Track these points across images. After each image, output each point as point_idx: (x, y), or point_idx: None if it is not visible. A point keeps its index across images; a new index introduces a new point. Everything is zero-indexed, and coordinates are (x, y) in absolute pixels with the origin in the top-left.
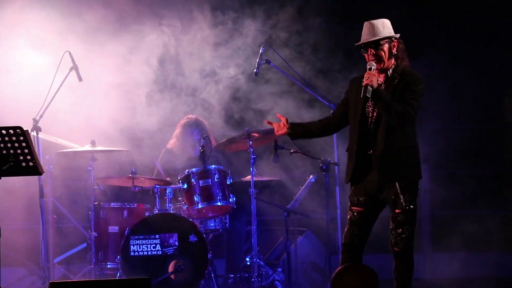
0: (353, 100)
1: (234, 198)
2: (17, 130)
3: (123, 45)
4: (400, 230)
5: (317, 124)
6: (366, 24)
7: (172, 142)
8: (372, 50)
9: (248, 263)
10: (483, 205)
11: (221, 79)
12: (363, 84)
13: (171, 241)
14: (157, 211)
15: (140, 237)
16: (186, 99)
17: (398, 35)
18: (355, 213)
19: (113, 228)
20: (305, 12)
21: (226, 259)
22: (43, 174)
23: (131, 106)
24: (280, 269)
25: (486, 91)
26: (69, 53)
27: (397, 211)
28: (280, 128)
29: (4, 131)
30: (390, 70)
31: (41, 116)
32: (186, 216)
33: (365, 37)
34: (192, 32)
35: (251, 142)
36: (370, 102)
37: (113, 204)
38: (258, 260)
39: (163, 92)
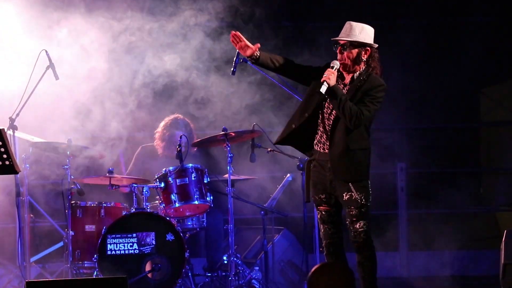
0: (314, 86)
1: (211, 197)
2: None
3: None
4: (358, 224)
5: (280, 59)
6: (346, 23)
7: (155, 143)
8: (341, 49)
9: (225, 262)
10: (460, 204)
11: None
12: (321, 80)
13: (148, 240)
14: (134, 210)
15: (117, 236)
16: (160, 97)
17: (374, 45)
18: (323, 212)
19: (90, 227)
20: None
21: (206, 257)
22: (19, 172)
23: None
24: (257, 268)
25: (462, 90)
26: (46, 51)
27: (352, 208)
28: (247, 48)
29: None
30: (357, 73)
31: (17, 115)
32: (163, 215)
33: (340, 35)
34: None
35: (228, 141)
36: (328, 102)
37: (90, 203)
38: (235, 258)
39: (132, 92)
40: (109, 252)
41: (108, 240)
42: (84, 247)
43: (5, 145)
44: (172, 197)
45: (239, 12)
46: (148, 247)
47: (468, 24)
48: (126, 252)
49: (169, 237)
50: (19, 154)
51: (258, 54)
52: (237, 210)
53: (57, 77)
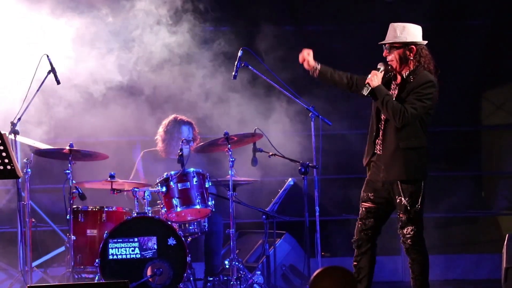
0: None
1: (213, 201)
2: None
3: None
4: (406, 230)
5: (343, 74)
6: (391, 25)
7: (158, 146)
8: (386, 52)
9: (227, 266)
10: (461, 208)
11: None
12: (365, 82)
13: (149, 244)
14: (135, 214)
15: (118, 240)
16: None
17: (419, 42)
18: (364, 209)
19: (92, 232)
20: None
21: (205, 263)
22: (21, 177)
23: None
24: (259, 272)
25: (463, 94)
26: (47, 56)
27: (401, 213)
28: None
29: None
30: (407, 72)
31: (19, 119)
32: (164, 219)
33: (386, 38)
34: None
35: (229, 145)
36: None
37: (91, 207)
38: (237, 263)
39: (135, 95)
40: (110, 257)
41: (109, 244)
42: (85, 251)
43: (6, 149)
44: (174, 201)
45: (241, 15)
46: (149, 251)
47: (468, 28)
48: (128, 256)
49: (171, 241)
50: (21, 159)
51: (318, 67)
52: (238, 214)
53: (58, 82)
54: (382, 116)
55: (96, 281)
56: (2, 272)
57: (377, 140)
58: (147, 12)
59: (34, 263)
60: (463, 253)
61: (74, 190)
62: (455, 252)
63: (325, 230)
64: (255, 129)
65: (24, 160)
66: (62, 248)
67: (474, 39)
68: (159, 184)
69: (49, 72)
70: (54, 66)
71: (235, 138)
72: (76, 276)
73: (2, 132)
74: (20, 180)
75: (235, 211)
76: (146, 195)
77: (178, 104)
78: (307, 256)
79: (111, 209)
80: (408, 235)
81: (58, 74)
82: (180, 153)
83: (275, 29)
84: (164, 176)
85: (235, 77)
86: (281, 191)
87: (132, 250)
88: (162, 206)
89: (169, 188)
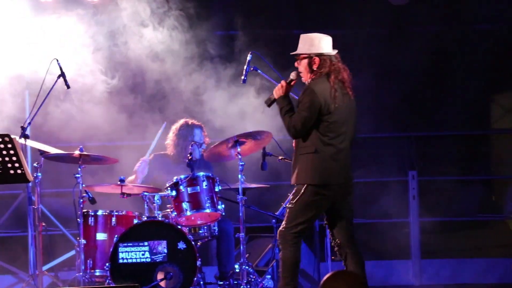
0: None
1: (223, 205)
2: (5, 137)
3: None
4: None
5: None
6: (300, 37)
7: (170, 151)
8: (296, 63)
9: (237, 270)
10: (471, 211)
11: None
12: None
13: (159, 248)
14: (145, 218)
15: (128, 244)
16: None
17: (325, 53)
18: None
19: (102, 236)
20: None
21: (218, 265)
22: (31, 181)
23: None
24: (269, 276)
25: (473, 98)
26: (57, 60)
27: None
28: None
29: None
30: (307, 82)
31: (29, 124)
32: (174, 223)
33: (297, 50)
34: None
35: (239, 149)
36: None
37: (101, 211)
38: (247, 267)
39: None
40: (121, 261)
41: (120, 248)
42: (96, 255)
43: (17, 154)
44: (184, 205)
45: (253, 21)
46: (160, 255)
47: (478, 32)
48: (138, 260)
49: (181, 245)
50: (31, 163)
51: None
52: (248, 218)
53: (68, 86)
54: None
55: (106, 285)
56: (13, 276)
57: None
58: (163, 16)
59: (45, 267)
60: (474, 257)
61: (84, 194)
62: (465, 256)
63: None
64: (264, 131)
65: (34, 164)
66: (73, 252)
67: (484, 43)
68: (169, 188)
69: (59, 77)
70: (63, 70)
71: (245, 140)
72: (87, 280)
73: (12, 136)
74: (30, 184)
75: (244, 215)
76: (156, 199)
77: (187, 107)
78: (317, 260)
79: (121, 213)
80: (280, 228)
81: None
82: (190, 157)
83: (284, 33)
84: (174, 180)
85: (244, 81)
86: (290, 195)
87: (142, 254)
88: (172, 210)
89: (179, 192)
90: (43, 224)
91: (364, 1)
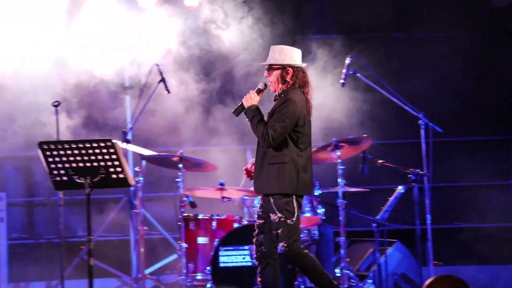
0: None
1: (323, 209)
2: (107, 142)
3: None
4: (259, 238)
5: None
6: (271, 48)
7: None
8: (266, 73)
9: (338, 275)
10: (493, 217)
11: None
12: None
13: None
14: (246, 222)
15: (229, 248)
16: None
17: (295, 64)
18: (256, 224)
19: (203, 239)
20: None
21: None
22: (133, 185)
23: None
24: (370, 281)
25: (500, 103)
26: (157, 65)
27: (260, 220)
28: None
29: (95, 144)
30: (278, 92)
31: (130, 129)
32: None
33: (267, 60)
34: None
35: (339, 153)
36: None
37: (202, 215)
38: (347, 271)
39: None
40: (221, 264)
41: (220, 252)
42: (197, 259)
43: (119, 158)
44: None
45: (352, 24)
46: None
47: (507, 35)
48: (239, 264)
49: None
50: (133, 167)
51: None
52: (349, 222)
53: (168, 91)
54: None
55: None
56: (116, 279)
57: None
58: (266, 21)
59: (147, 271)
60: (497, 264)
61: (185, 198)
62: (502, 263)
63: (437, 238)
64: (364, 136)
65: (136, 168)
66: (174, 256)
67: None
68: None
69: (159, 82)
70: (164, 75)
71: (344, 145)
72: (188, 284)
73: (114, 141)
74: (132, 188)
75: (345, 219)
76: (256, 203)
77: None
78: (419, 265)
79: (221, 217)
80: (258, 243)
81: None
82: None
83: (383, 36)
84: None
85: (343, 85)
86: (391, 199)
87: (243, 258)
88: None
89: None
90: (145, 228)
91: (465, 3)
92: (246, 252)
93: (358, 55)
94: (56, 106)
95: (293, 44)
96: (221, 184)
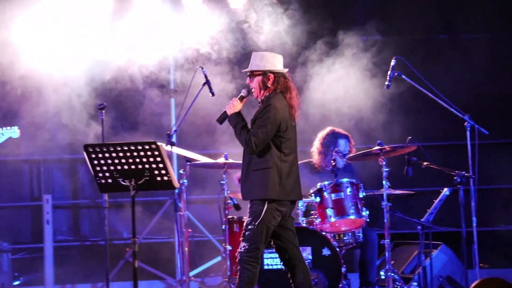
0: None
1: (367, 212)
2: (152, 145)
3: None
4: (240, 245)
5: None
6: (252, 54)
7: (314, 159)
8: (248, 79)
9: (383, 277)
10: None
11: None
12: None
13: (304, 254)
14: None
15: (273, 250)
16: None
17: (277, 70)
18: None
19: None
20: None
21: (359, 274)
22: (178, 188)
23: None
24: (415, 283)
25: None
26: (202, 68)
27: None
28: None
29: (139, 146)
30: (261, 99)
31: (175, 131)
32: (319, 229)
33: (249, 67)
34: None
35: (383, 155)
36: None
37: (246, 217)
38: (392, 274)
39: None
40: (266, 267)
41: (264, 254)
42: None
43: (163, 161)
44: (328, 212)
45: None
46: None
47: None
48: (283, 266)
49: (325, 252)
50: (177, 170)
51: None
52: (393, 224)
53: (213, 94)
54: None
55: None
56: (161, 281)
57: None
58: (314, 23)
59: (192, 273)
60: None
61: (229, 201)
62: None
63: (482, 240)
64: (409, 139)
65: (180, 171)
66: (219, 258)
67: None
68: (313, 195)
69: (204, 84)
70: (208, 78)
71: (389, 149)
72: (233, 286)
73: (159, 144)
74: (176, 191)
75: (389, 221)
76: (300, 205)
77: (329, 115)
78: (465, 267)
79: None
80: (239, 251)
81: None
82: (333, 163)
83: (429, 38)
84: (318, 187)
85: (388, 86)
86: (436, 201)
87: None
88: (316, 216)
89: (323, 198)
90: (190, 230)
91: (510, 4)
92: None
93: (403, 57)
94: (101, 109)
95: (337, 45)
96: None
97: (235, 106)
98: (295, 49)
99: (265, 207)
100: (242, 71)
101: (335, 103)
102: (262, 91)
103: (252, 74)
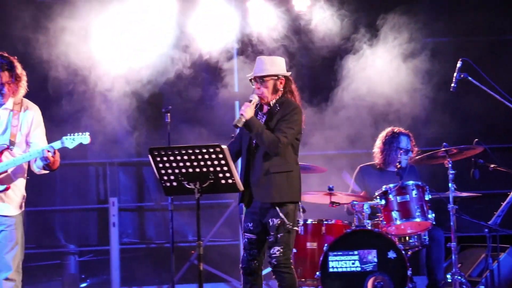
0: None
1: (433, 214)
2: (216, 148)
3: None
4: (272, 250)
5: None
6: (258, 58)
7: (377, 158)
8: (258, 84)
9: (449, 280)
10: None
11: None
12: (239, 113)
13: (369, 257)
14: (355, 227)
15: (338, 253)
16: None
17: (287, 74)
18: (247, 239)
19: (312, 244)
20: None
21: (427, 273)
22: (242, 190)
23: None
24: (482, 287)
25: None
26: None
27: (273, 233)
28: None
29: (204, 149)
30: (273, 101)
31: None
32: (384, 232)
33: (254, 71)
34: None
35: (449, 158)
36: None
37: (311, 220)
38: (459, 277)
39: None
40: (331, 270)
41: (329, 257)
42: (306, 264)
43: (227, 163)
44: (393, 214)
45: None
46: (370, 264)
47: None
48: (348, 269)
49: (391, 254)
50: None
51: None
52: (460, 227)
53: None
54: (254, 144)
55: None
56: (226, 284)
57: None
58: (374, 24)
59: None
60: None
61: None
62: None
63: None
64: (475, 141)
65: None
66: None
67: None
68: (378, 197)
69: None
70: None
71: (455, 151)
72: None
73: (223, 147)
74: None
75: (456, 224)
76: (365, 208)
77: (396, 117)
78: None
79: (330, 222)
80: (274, 255)
81: None
82: (398, 165)
83: (496, 39)
84: (383, 189)
85: (454, 88)
86: (504, 204)
87: (352, 263)
88: (381, 219)
89: (388, 201)
90: None
91: None
92: (356, 257)
93: (469, 59)
94: (166, 112)
95: (403, 46)
96: (330, 189)
97: (251, 109)
98: (355, 49)
99: (295, 209)
100: (255, 76)
101: (395, 106)
102: (272, 95)
103: (262, 79)
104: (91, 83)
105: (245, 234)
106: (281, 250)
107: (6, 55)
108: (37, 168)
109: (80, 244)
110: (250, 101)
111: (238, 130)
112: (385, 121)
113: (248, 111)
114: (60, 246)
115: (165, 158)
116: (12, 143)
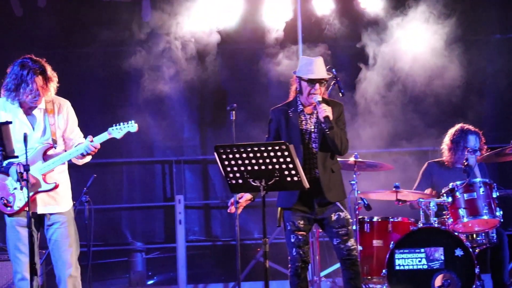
0: (286, 129)
1: (501, 212)
2: (282, 145)
3: None
4: (352, 240)
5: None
6: (314, 60)
7: (444, 156)
8: (320, 86)
9: None
10: None
11: None
12: (324, 115)
13: (436, 255)
14: (421, 225)
15: (405, 251)
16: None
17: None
18: (299, 238)
19: (378, 242)
20: None
21: (491, 275)
22: (308, 188)
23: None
24: None
25: None
26: (332, 68)
27: (341, 227)
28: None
29: (269, 147)
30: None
31: None
32: (451, 230)
33: (319, 73)
34: None
35: None
36: (305, 130)
37: (377, 217)
38: None
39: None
40: (397, 267)
41: (396, 255)
42: (372, 261)
43: (293, 161)
44: (460, 212)
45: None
46: (436, 262)
47: None
48: (415, 267)
49: (458, 252)
50: None
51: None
52: None
53: (343, 94)
54: (310, 143)
55: None
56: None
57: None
58: (444, 22)
59: (322, 273)
60: None
61: (360, 201)
62: None
63: None
64: None
65: None
66: None
67: None
68: (444, 195)
69: (334, 84)
70: (338, 78)
71: None
72: (364, 286)
73: (289, 144)
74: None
75: None
76: (432, 205)
77: (463, 113)
78: None
79: (396, 220)
80: (353, 247)
81: None
82: (465, 162)
83: None
84: (450, 187)
85: None
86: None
87: (419, 261)
88: (448, 216)
89: (455, 198)
90: (320, 230)
91: None
92: (422, 255)
93: None
94: (232, 109)
95: (472, 45)
96: (396, 187)
97: (329, 109)
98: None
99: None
100: (321, 78)
101: (463, 102)
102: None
103: (325, 80)
104: (164, 81)
105: (296, 233)
106: (354, 243)
107: (36, 58)
108: (77, 159)
109: (147, 241)
110: (319, 102)
111: (273, 130)
112: (453, 118)
113: (329, 112)
114: (127, 244)
115: (230, 156)
116: (54, 141)
